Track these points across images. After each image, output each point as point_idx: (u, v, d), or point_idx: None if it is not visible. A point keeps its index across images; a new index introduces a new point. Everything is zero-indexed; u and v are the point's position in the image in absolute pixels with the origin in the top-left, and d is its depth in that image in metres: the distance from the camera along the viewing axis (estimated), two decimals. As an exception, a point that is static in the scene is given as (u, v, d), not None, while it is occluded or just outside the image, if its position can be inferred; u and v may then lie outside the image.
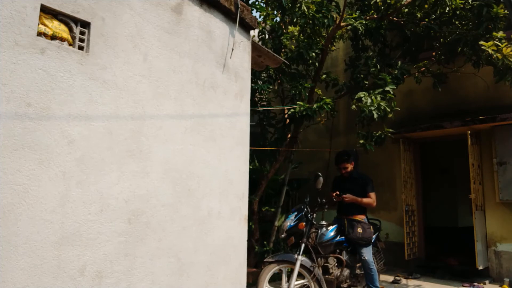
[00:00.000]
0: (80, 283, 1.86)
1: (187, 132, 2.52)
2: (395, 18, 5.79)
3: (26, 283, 1.66)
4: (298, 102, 5.41)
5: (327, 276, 3.95)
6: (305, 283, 3.76)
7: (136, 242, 2.14)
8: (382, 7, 5.78)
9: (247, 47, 3.17)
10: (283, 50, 5.93)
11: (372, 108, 4.90)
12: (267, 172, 5.91)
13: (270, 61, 3.65)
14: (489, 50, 4.91)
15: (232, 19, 2.98)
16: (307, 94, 5.70)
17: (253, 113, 6.13)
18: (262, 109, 6.50)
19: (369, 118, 5.04)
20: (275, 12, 5.77)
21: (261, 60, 3.56)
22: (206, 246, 2.60)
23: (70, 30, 1.94)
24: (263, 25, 5.89)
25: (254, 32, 5.76)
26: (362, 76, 5.84)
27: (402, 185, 6.57)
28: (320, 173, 4.14)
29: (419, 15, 5.80)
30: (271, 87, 6.32)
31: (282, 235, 4.04)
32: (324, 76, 6.49)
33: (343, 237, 4.19)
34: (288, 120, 6.15)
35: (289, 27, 6.11)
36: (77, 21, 1.96)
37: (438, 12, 5.60)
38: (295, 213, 4.06)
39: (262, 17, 5.75)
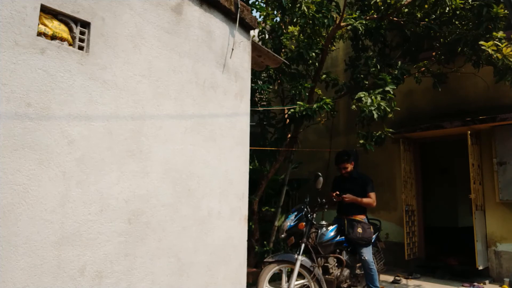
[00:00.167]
0: (80, 283, 1.86)
1: (187, 132, 2.52)
2: (395, 18, 5.79)
3: (26, 283, 1.66)
4: (298, 102, 5.41)
5: (327, 276, 3.95)
6: (305, 283, 3.76)
7: (136, 242, 2.14)
8: (382, 7, 5.78)
9: (247, 47, 3.17)
10: (283, 50, 5.94)
11: (372, 108, 4.90)
12: (267, 172, 5.91)
13: (270, 61, 3.65)
14: (489, 50, 4.91)
15: (232, 19, 2.98)
16: (307, 94, 5.70)
17: (253, 113, 6.13)
18: (262, 109, 6.50)
19: (369, 118, 5.04)
20: (275, 12, 5.77)
21: (261, 60, 3.56)
22: (206, 246, 2.60)
23: (70, 30, 1.94)
24: (263, 25, 5.89)
25: (254, 32, 5.76)
26: (362, 76, 5.84)
27: (402, 185, 6.57)
28: (320, 173, 4.14)
29: (419, 15, 5.80)
30: (271, 87, 6.32)
31: (282, 235, 4.03)
32: (324, 76, 6.49)
33: (343, 237, 4.19)
34: (288, 120, 6.15)
35: (289, 27, 6.11)
36: (77, 21, 1.97)
37: (438, 12, 5.60)
38: (295, 213, 4.06)
39: (262, 17, 5.75)
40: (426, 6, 5.58)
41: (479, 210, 5.83)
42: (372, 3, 5.85)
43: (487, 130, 5.95)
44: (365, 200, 4.25)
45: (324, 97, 5.57)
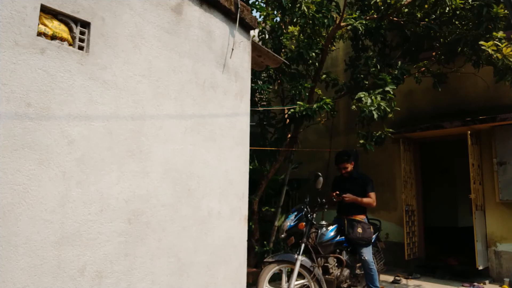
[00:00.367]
0: (80, 283, 1.86)
1: (187, 132, 2.52)
2: (395, 18, 5.79)
3: (26, 283, 1.66)
4: (298, 102, 5.41)
5: (327, 276, 3.95)
6: (305, 283, 3.76)
7: (136, 242, 2.14)
8: (382, 7, 5.78)
9: (247, 47, 3.17)
10: (283, 50, 5.94)
11: (372, 108, 4.90)
12: (267, 172, 5.91)
13: (270, 61, 3.65)
14: (489, 50, 4.91)
15: (232, 19, 2.98)
16: (307, 94, 5.70)
17: (253, 113, 6.13)
18: (262, 109, 6.50)
19: (369, 118, 5.04)
20: (275, 12, 5.77)
21: (261, 60, 3.56)
22: (206, 246, 2.60)
23: (70, 30, 1.94)
24: (263, 25, 5.89)
25: (254, 32, 5.76)
26: (362, 76, 5.84)
27: (402, 185, 6.57)
28: (320, 173, 4.14)
29: (419, 15, 5.80)
30: (271, 87, 6.32)
31: (282, 235, 4.03)
32: (324, 76, 6.49)
33: (343, 237, 4.19)
34: (288, 120, 6.15)
35: (289, 27, 6.11)
36: (77, 21, 1.97)
37: (438, 12, 5.60)
38: (295, 213, 4.05)
39: (262, 17, 5.75)
40: (426, 6, 5.59)
41: (479, 210, 5.83)
42: (372, 3, 5.85)
43: (487, 130, 5.95)
44: (365, 200, 4.25)
45: (324, 97, 5.57)
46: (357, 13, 5.74)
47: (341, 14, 5.43)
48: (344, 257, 4.14)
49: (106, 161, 2.01)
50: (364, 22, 5.53)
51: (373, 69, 5.70)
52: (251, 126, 3.31)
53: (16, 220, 1.64)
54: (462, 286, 5.43)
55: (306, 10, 5.10)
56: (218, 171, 2.74)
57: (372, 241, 4.25)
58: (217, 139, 2.76)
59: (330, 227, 4.18)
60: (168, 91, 2.41)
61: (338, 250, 4.18)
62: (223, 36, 2.89)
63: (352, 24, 5.50)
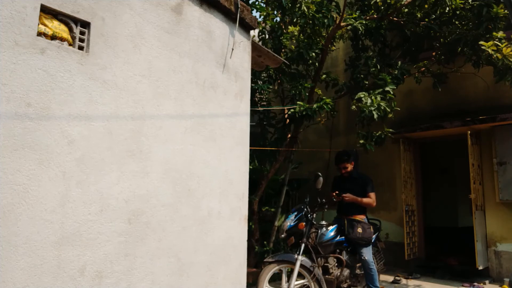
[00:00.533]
0: (80, 283, 1.86)
1: (187, 132, 2.52)
2: (395, 18, 5.79)
3: (26, 283, 1.66)
4: (298, 102, 5.41)
5: (327, 276, 3.95)
6: (305, 283, 3.76)
7: (136, 242, 2.14)
8: (382, 7, 5.78)
9: (247, 47, 3.17)
10: (283, 50, 5.93)
11: (372, 108, 4.90)
12: (267, 172, 5.90)
13: (270, 61, 3.65)
14: (489, 50, 4.91)
15: (232, 19, 2.98)
16: (307, 94, 5.70)
17: (253, 113, 6.13)
18: (262, 109, 6.50)
19: (369, 118, 5.04)
20: (275, 12, 5.77)
21: (261, 60, 3.56)
22: (206, 246, 2.60)
23: (70, 30, 1.94)
24: (263, 25, 5.89)
25: (254, 32, 5.76)
26: (362, 76, 5.84)
27: (402, 185, 6.57)
28: (320, 173, 4.14)
29: (419, 15, 5.80)
30: (271, 87, 6.32)
31: (282, 235, 4.03)
32: (324, 76, 6.49)
33: (343, 237, 4.19)
34: (288, 120, 6.15)
35: (289, 27, 6.11)
36: (77, 21, 1.97)
37: (438, 12, 5.60)
38: (295, 213, 4.05)
39: (262, 17, 5.75)
40: (426, 6, 5.59)
41: (479, 210, 5.83)
42: (372, 3, 5.85)
43: (487, 130, 5.95)
44: (365, 200, 4.25)
45: (324, 97, 5.57)
46: (357, 13, 5.74)
47: (341, 14, 5.43)
48: (344, 257, 4.14)
49: (106, 161, 2.01)
50: (364, 22, 5.53)
51: (373, 69, 5.70)
52: (251, 126, 3.31)
53: (16, 220, 1.64)
54: (462, 286, 5.43)
55: (306, 10, 5.10)
56: (218, 171, 2.74)
57: (372, 241, 4.25)
58: (217, 139, 2.76)
59: (330, 227, 4.18)
60: (168, 91, 2.41)
61: (338, 250, 4.18)
62: (223, 36, 2.89)
63: (352, 24, 5.50)
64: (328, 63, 7.57)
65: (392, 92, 5.21)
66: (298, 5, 5.12)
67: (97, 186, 1.96)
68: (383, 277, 5.85)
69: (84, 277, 1.88)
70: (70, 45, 1.93)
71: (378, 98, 4.99)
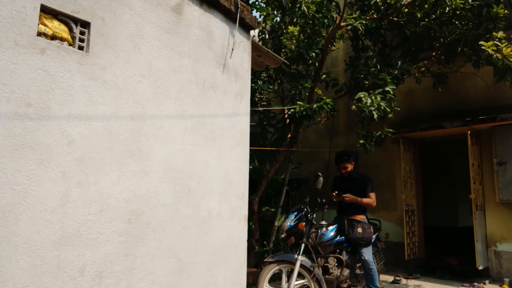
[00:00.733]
0: (80, 283, 1.86)
1: (187, 132, 2.52)
2: (395, 18, 5.79)
3: (26, 283, 1.66)
4: (298, 102, 5.41)
5: (327, 276, 3.95)
6: (305, 283, 3.76)
7: (136, 242, 2.14)
8: (382, 7, 5.78)
9: (247, 47, 3.17)
10: (283, 50, 5.93)
11: (372, 108, 4.90)
12: (267, 172, 5.90)
13: (270, 61, 3.65)
14: (489, 50, 4.91)
15: (232, 19, 2.98)
16: (307, 94, 5.70)
17: (253, 113, 6.13)
18: (262, 109, 6.50)
19: (369, 118, 5.04)
20: (275, 12, 5.77)
21: (261, 60, 3.56)
22: (206, 246, 2.60)
23: (70, 30, 1.94)
24: (263, 25, 5.89)
25: (254, 32, 5.76)
26: (362, 76, 5.84)
27: (402, 185, 6.57)
28: (320, 173, 4.14)
29: (419, 15, 5.80)
30: (271, 87, 6.32)
31: (282, 235, 4.03)
32: (324, 76, 6.49)
33: (343, 237, 4.19)
34: (288, 120, 6.15)
35: (289, 27, 6.11)
36: (77, 21, 1.97)
37: (438, 12, 5.60)
38: (295, 213, 4.05)
39: (262, 17, 5.75)
40: (426, 6, 5.59)
41: (479, 210, 5.83)
42: (372, 3, 5.85)
43: (487, 130, 5.95)
44: (365, 200, 4.25)
45: (324, 97, 5.57)
46: (357, 13, 5.74)
47: (341, 14, 5.43)
48: (344, 257, 4.14)
49: (106, 161, 2.01)
50: (364, 22, 5.53)
51: (373, 69, 5.70)
52: (251, 126, 3.31)
53: (16, 220, 1.64)
54: (462, 286, 5.43)
55: (306, 10, 5.10)
56: (218, 171, 2.74)
57: (372, 241, 4.25)
58: (217, 139, 2.76)
59: (330, 227, 4.18)
60: (168, 91, 2.41)
61: (338, 250, 4.18)
62: (223, 36, 2.89)
63: (352, 24, 5.50)
64: (328, 63, 7.57)
65: (392, 92, 5.21)
66: (298, 5, 5.12)
67: (97, 186, 1.96)
68: (383, 277, 5.85)
69: (84, 277, 1.88)
70: (70, 45, 1.93)
71: (378, 98, 4.99)
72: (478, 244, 5.60)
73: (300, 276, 3.74)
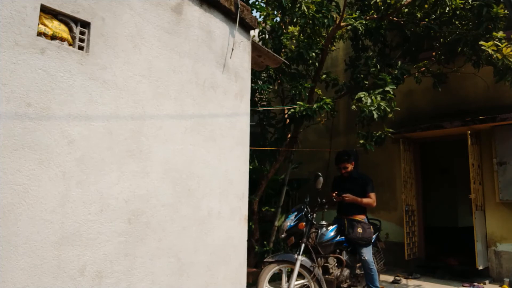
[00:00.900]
0: (80, 283, 1.86)
1: (187, 132, 2.52)
2: (395, 18, 5.79)
3: (26, 283, 1.66)
4: (298, 102, 5.41)
5: (327, 276, 3.95)
6: (305, 283, 3.76)
7: (136, 242, 2.14)
8: (382, 7, 5.78)
9: (247, 47, 3.17)
10: (283, 50, 5.94)
11: (372, 108, 4.90)
12: (267, 172, 5.91)
13: (270, 61, 3.65)
14: (489, 50, 4.91)
15: (232, 19, 2.98)
16: (307, 94, 5.70)
17: (253, 113, 6.13)
18: (262, 109, 6.50)
19: (369, 118, 5.04)
20: (275, 12, 5.77)
21: (261, 60, 3.56)
22: (206, 246, 2.60)
23: (70, 30, 1.94)
24: (263, 25, 5.89)
25: (254, 32, 5.76)
26: (362, 76, 5.84)
27: (402, 185, 6.57)
28: (320, 173, 4.14)
29: (419, 15, 5.80)
30: (271, 87, 6.32)
31: (282, 235, 4.03)
32: (324, 76, 6.49)
33: (343, 237, 4.19)
34: (288, 120, 6.15)
35: (289, 27, 6.11)
36: (77, 21, 1.97)
37: (438, 12, 5.60)
38: (295, 213, 4.05)
39: (262, 17, 5.75)
40: (426, 6, 5.59)
41: (479, 210, 5.83)
42: (372, 3, 5.85)
43: (487, 130, 5.95)
44: (365, 200, 4.25)
45: (324, 97, 5.57)
46: (357, 13, 5.74)
47: (341, 14, 5.43)
48: (344, 257, 4.14)
49: (106, 161, 2.01)
50: (364, 22, 5.53)
51: (373, 69, 5.70)
52: (251, 126, 3.31)
53: (16, 220, 1.64)
54: (462, 286, 5.43)
55: (306, 10, 5.10)
56: (218, 171, 2.74)
57: (372, 241, 4.25)
58: (217, 139, 2.76)
59: (330, 227, 4.18)
60: (168, 91, 2.41)
61: (338, 250, 4.18)
62: (223, 36, 2.89)
63: (352, 24, 5.50)
64: (328, 63, 7.57)
65: (392, 92, 5.20)
66: (298, 5, 5.12)
67: (97, 186, 1.96)
68: (383, 277, 5.85)
69: (84, 277, 1.88)
70: (70, 45, 1.93)
71: (378, 98, 4.99)
72: (478, 244, 5.60)
73: (300, 276, 3.74)
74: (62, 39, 1.89)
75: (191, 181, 2.52)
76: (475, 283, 5.43)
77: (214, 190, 2.70)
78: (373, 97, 4.99)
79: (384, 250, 4.84)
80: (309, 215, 3.97)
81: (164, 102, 2.37)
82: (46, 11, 1.85)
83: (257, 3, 5.70)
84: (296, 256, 3.69)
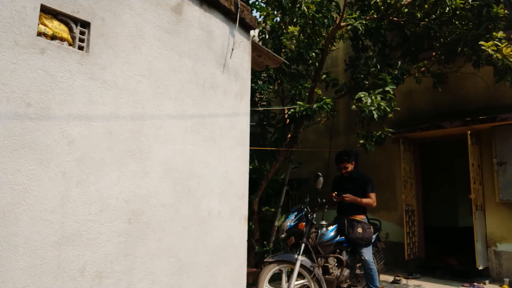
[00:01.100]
0: (80, 283, 1.86)
1: (187, 132, 2.52)
2: (395, 18, 5.79)
3: (26, 283, 1.66)
4: (298, 102, 5.41)
5: (327, 276, 3.95)
6: (305, 283, 3.76)
7: (136, 242, 2.14)
8: (382, 7, 5.78)
9: (247, 47, 3.17)
10: (283, 50, 5.94)
11: (372, 108, 4.90)
12: (267, 172, 5.91)
13: (270, 61, 3.65)
14: (489, 50, 4.91)
15: (232, 19, 2.98)
16: (307, 94, 5.70)
17: (253, 113, 6.13)
18: (262, 109, 6.50)
19: (369, 118, 5.04)
20: (275, 12, 5.77)
21: (261, 60, 3.56)
22: (206, 246, 2.60)
23: (70, 30, 1.94)
24: (263, 25, 5.89)
25: (254, 32, 5.76)
26: (362, 76, 5.84)
27: (402, 185, 6.57)
28: (320, 173, 4.14)
29: (419, 15, 5.80)
30: (271, 87, 6.32)
31: (282, 235, 4.03)
32: (324, 76, 6.49)
33: (343, 237, 4.19)
34: (288, 120, 6.15)
35: (289, 27, 6.11)
36: (77, 21, 1.97)
37: (438, 12, 5.60)
38: (295, 213, 4.05)
39: (262, 17, 5.75)
40: (426, 6, 5.59)
41: (479, 210, 5.83)
42: (372, 3, 5.85)
43: (487, 130, 5.95)
44: (365, 200, 4.25)
45: (324, 97, 5.57)
46: (357, 13, 5.74)
47: (341, 14, 5.43)
48: (344, 257, 4.14)
49: (106, 161, 2.01)
50: (364, 22, 5.53)
51: (373, 69, 5.70)
52: (251, 126, 3.31)
53: (16, 220, 1.64)
54: (462, 286, 5.43)
55: (306, 10, 5.10)
56: (218, 171, 2.74)
57: (372, 241, 4.25)
58: (217, 139, 2.76)
59: (330, 227, 4.18)
60: (168, 91, 2.41)
61: (338, 250, 4.18)
62: (223, 36, 2.89)
63: (352, 24, 5.50)
64: (328, 63, 7.57)
65: (392, 92, 5.20)
66: (298, 5, 5.12)
67: (97, 186, 1.96)
68: (383, 277, 5.85)
69: (84, 277, 1.88)
70: (70, 45, 1.93)
71: (378, 98, 4.99)
72: (478, 244, 5.60)
73: (300, 276, 3.74)
74: (62, 39, 1.89)
75: (191, 181, 2.52)
76: (475, 283, 5.43)
77: (214, 190, 2.70)
78: (373, 97, 4.99)
79: (384, 250, 4.84)
80: (309, 215, 3.97)
81: (164, 102, 2.37)
82: (46, 11, 1.85)
83: (257, 3, 5.70)
84: (296, 256, 3.69)
